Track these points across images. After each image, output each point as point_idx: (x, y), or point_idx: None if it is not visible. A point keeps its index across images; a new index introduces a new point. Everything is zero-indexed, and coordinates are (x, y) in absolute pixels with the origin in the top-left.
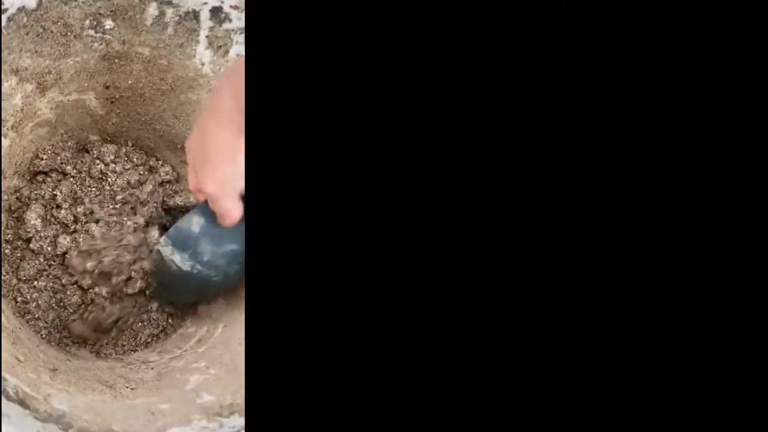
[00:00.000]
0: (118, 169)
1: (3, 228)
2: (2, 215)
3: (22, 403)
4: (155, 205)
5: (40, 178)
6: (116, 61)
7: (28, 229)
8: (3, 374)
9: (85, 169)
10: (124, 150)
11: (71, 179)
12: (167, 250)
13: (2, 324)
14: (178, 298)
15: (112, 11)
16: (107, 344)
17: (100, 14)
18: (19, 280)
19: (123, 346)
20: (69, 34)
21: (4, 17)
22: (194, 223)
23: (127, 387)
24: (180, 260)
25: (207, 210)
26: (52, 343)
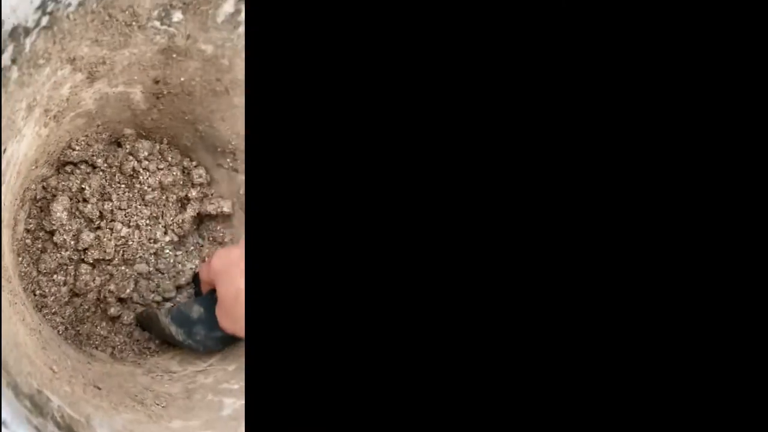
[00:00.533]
0: (151, 167)
1: (26, 217)
2: (26, 205)
3: (70, 429)
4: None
5: (68, 168)
6: (174, 55)
7: (53, 221)
8: (45, 392)
9: (116, 164)
10: (158, 147)
11: (101, 173)
12: (166, 321)
13: (26, 322)
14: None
15: (184, 3)
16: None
17: (171, 6)
18: (39, 272)
19: (137, 341)
20: (134, 23)
21: (75, 1)
22: (195, 311)
23: (157, 404)
24: (175, 332)
25: (208, 302)
26: (69, 340)
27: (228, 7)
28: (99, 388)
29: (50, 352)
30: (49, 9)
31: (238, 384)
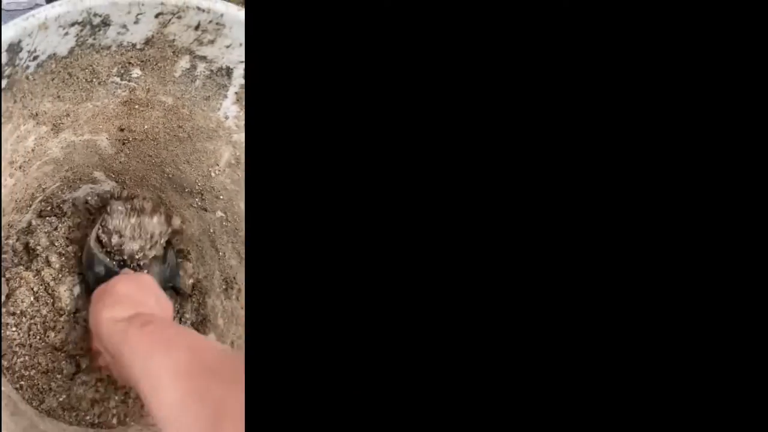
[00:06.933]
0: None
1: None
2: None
3: None
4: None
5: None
6: (136, 106)
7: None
8: None
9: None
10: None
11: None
12: None
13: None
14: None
15: (142, 61)
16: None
17: (129, 63)
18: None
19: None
20: (94, 80)
21: (33, 64)
22: None
23: None
24: None
25: None
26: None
27: (184, 63)
28: None
29: (20, 418)
30: (6, 73)
31: None
